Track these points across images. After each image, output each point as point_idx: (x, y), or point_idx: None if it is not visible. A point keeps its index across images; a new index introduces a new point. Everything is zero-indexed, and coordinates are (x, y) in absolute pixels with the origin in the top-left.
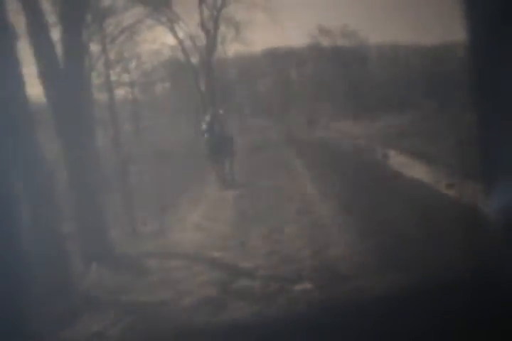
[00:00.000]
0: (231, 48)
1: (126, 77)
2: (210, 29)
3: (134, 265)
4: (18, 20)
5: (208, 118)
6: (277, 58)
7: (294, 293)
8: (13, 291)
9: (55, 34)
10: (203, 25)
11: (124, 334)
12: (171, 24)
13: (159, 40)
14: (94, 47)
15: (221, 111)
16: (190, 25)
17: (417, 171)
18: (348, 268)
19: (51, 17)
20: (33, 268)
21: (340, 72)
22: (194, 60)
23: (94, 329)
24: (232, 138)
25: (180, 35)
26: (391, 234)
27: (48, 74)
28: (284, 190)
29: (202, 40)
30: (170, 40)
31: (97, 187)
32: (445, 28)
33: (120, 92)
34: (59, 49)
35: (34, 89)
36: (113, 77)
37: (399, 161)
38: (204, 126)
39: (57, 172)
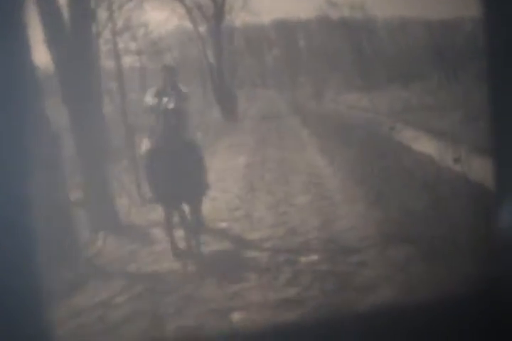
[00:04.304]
0: (239, 18)
1: (133, 45)
2: None
3: (140, 234)
4: None
5: (152, 99)
6: (285, 29)
7: (300, 264)
8: (19, 259)
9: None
10: None
11: (130, 303)
12: None
13: (167, 9)
14: (102, 14)
15: (184, 89)
16: None
17: (424, 145)
18: (355, 240)
19: None
20: (39, 236)
21: (348, 45)
22: (202, 29)
23: (100, 298)
24: (200, 149)
25: (189, 3)
26: (398, 207)
27: (54, 40)
28: (291, 160)
29: (210, 9)
30: (178, 8)
31: (104, 155)
32: (453, 2)
33: (127, 60)
34: (66, 15)
35: (40, 55)
36: (120, 45)
37: (406, 134)
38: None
39: (64, 140)
